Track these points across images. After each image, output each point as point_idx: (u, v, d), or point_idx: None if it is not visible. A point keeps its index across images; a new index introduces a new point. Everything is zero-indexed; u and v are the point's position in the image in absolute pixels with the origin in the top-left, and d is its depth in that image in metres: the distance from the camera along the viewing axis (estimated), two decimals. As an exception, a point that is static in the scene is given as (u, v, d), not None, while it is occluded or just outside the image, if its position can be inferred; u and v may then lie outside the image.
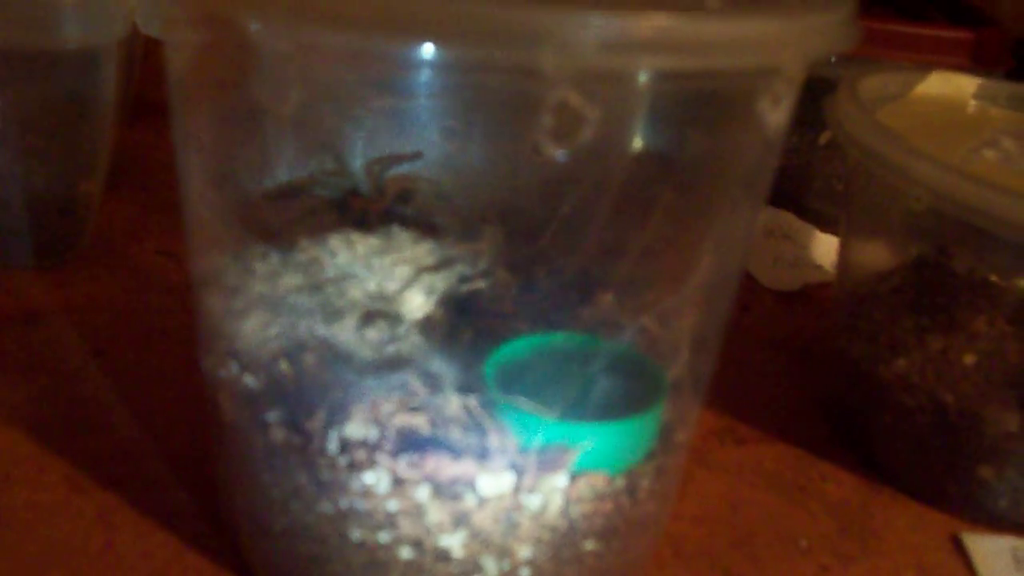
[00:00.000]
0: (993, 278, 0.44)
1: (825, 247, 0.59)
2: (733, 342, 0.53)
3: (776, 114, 0.28)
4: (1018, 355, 0.41)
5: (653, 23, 0.24)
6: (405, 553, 0.30)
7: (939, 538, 0.41)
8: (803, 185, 0.64)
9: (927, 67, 0.51)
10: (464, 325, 0.33)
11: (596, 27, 0.23)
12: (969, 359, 0.42)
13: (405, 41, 0.25)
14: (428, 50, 0.25)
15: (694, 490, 0.41)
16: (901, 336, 0.43)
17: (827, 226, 0.60)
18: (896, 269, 0.46)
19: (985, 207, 0.37)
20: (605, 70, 0.25)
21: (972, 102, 0.51)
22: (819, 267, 0.59)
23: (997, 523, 0.41)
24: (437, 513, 0.30)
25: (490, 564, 0.30)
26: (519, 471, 0.29)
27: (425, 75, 0.31)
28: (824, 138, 0.63)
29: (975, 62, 0.60)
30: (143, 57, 0.61)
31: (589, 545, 0.31)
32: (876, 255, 0.45)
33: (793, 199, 0.64)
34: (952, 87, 0.51)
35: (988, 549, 0.40)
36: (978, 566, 0.39)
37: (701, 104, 0.29)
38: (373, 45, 0.25)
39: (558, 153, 0.24)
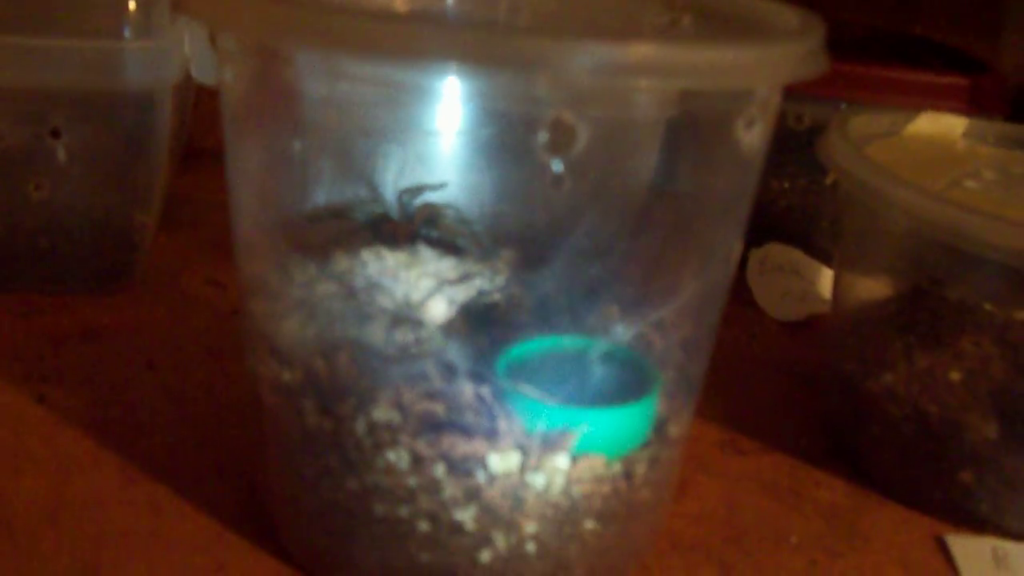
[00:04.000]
0: (987, 306, 0.47)
1: (831, 282, 0.62)
2: (741, 366, 0.57)
3: (750, 136, 0.32)
4: (1002, 372, 0.45)
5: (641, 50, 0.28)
6: (423, 526, 0.34)
7: (923, 538, 0.43)
8: (811, 224, 0.68)
9: (919, 108, 0.54)
10: (481, 331, 0.37)
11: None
12: (955, 376, 0.45)
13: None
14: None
15: (694, 493, 0.44)
16: (889, 354, 0.46)
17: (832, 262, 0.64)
18: (892, 298, 0.49)
19: (961, 228, 0.41)
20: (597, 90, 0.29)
21: (961, 140, 0.54)
22: (826, 301, 0.62)
23: (979, 525, 0.44)
24: (451, 488, 0.33)
25: (499, 538, 0.34)
26: (524, 451, 0.33)
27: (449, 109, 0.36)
28: (830, 179, 0.66)
29: (972, 107, 0.63)
30: (194, 106, 0.66)
31: (589, 524, 0.35)
32: (865, 284, 0.49)
33: (802, 237, 0.67)
34: (942, 126, 0.54)
35: (970, 549, 0.43)
36: (960, 564, 0.42)
37: (688, 136, 0.33)
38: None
39: (553, 162, 0.29)
